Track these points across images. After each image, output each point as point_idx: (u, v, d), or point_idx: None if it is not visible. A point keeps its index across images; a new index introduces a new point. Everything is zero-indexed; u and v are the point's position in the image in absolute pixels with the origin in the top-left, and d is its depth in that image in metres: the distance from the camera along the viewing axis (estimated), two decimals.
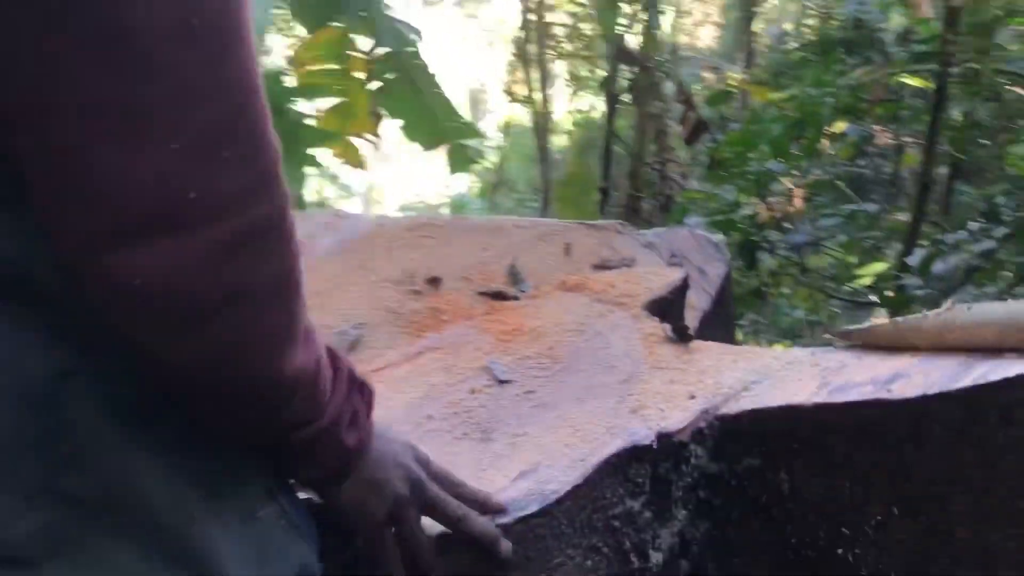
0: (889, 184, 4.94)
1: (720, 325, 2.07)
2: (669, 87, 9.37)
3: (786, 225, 4.13)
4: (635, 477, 1.15)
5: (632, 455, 1.14)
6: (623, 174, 9.60)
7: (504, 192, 12.64)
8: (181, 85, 0.59)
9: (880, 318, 1.17)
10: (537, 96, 9.00)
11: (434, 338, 1.63)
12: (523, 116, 12.05)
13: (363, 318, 1.85)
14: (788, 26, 11.67)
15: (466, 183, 13.85)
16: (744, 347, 1.43)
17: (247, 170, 0.64)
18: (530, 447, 1.19)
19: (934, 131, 3.38)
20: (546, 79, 8.60)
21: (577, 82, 10.86)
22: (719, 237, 2.20)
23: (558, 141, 11.12)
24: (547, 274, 2.04)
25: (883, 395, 1.05)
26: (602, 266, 2.07)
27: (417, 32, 5.87)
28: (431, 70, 6.20)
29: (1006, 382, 0.97)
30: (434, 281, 1.97)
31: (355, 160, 6.50)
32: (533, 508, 1.03)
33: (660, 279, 1.79)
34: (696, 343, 1.45)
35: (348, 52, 6.27)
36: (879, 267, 4.06)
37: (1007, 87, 4.13)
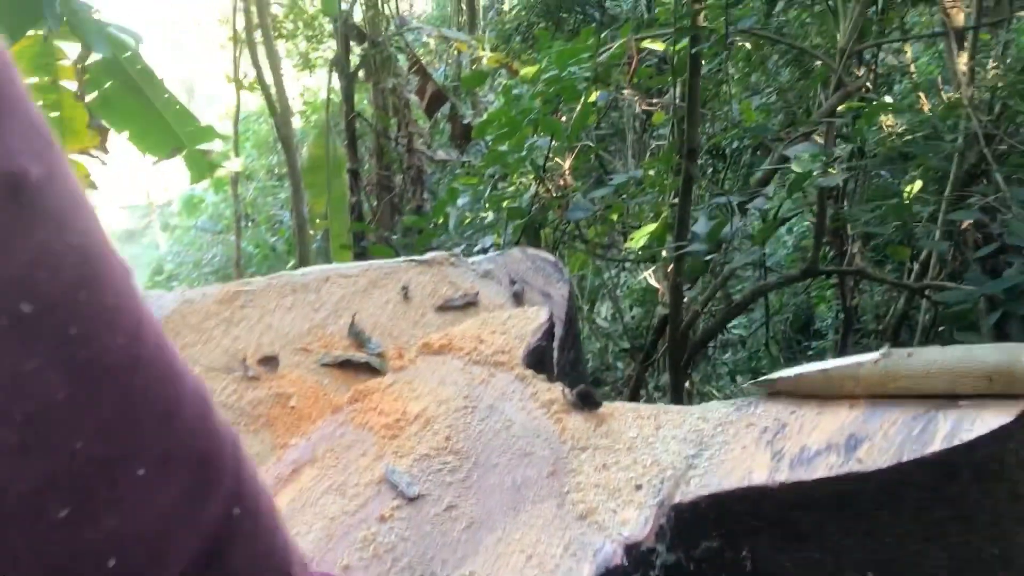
0: (640, 145, 5.13)
1: (571, 345, 1.98)
2: (402, 60, 9.19)
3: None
4: None
5: None
6: (369, 153, 9.34)
7: (243, 183, 11.90)
8: None
9: (804, 366, 1.11)
10: (266, 81, 8.44)
11: (303, 446, 1.39)
12: (250, 102, 11.35)
13: None
14: None
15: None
16: (652, 406, 1.33)
17: None
18: None
19: (692, 96, 3.48)
20: (273, 62, 8.08)
21: (305, 62, 10.36)
22: (544, 254, 2.10)
23: (295, 124, 10.58)
24: (391, 325, 1.84)
25: (854, 467, 0.99)
26: (446, 307, 1.91)
27: (134, 36, 5.26)
28: (156, 74, 5.61)
29: (980, 440, 0.93)
30: (269, 361, 1.71)
31: (83, 180, 5.76)
32: None
33: (524, 323, 1.66)
34: (604, 407, 1.33)
35: (54, 62, 5.52)
36: (650, 228, 4.18)
37: (740, 43, 4.39)
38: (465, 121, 8.96)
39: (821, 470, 1.02)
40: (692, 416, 1.24)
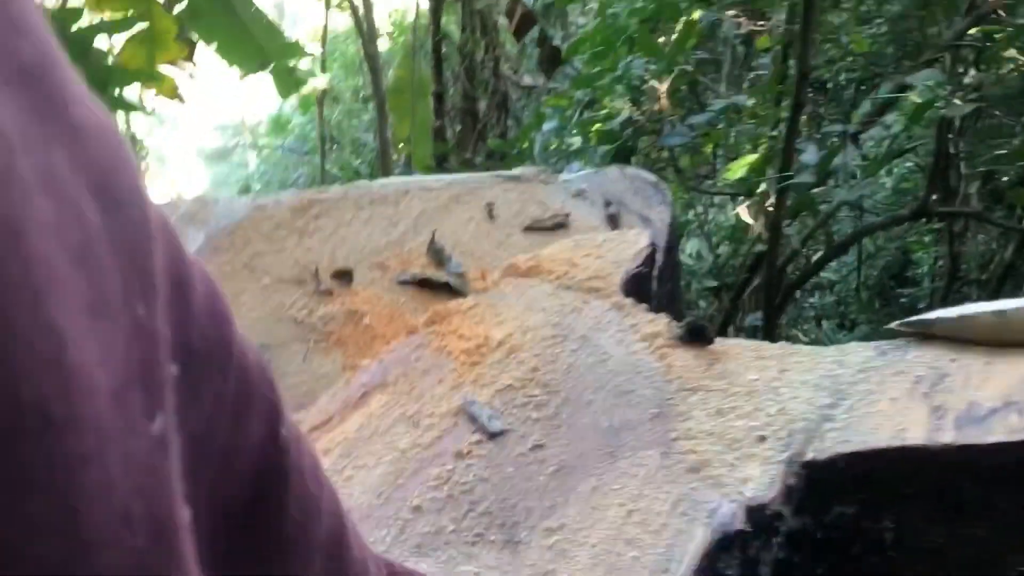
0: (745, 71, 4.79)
1: (670, 277, 1.79)
2: None
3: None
4: (724, 570, 0.86)
5: (721, 547, 0.84)
6: (455, 76, 9.11)
7: (329, 104, 11.83)
8: None
9: (968, 306, 0.93)
10: (354, 0, 8.25)
11: (375, 369, 1.25)
12: (338, 23, 11.18)
13: (264, 337, 1.44)
14: None
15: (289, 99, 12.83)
16: (775, 346, 1.14)
17: None
18: (579, 550, 0.86)
19: (808, 15, 3.17)
20: None
21: None
22: (647, 175, 1.90)
23: (382, 45, 10.40)
24: (473, 244, 1.68)
25: None
26: (534, 228, 1.73)
27: None
28: None
29: None
30: (343, 275, 1.57)
31: (169, 91, 5.73)
32: None
33: (623, 247, 1.47)
34: (717, 344, 1.15)
35: None
36: (749, 159, 3.90)
37: None
38: (554, 44, 8.64)
39: (999, 432, 0.83)
40: (826, 359, 1.05)
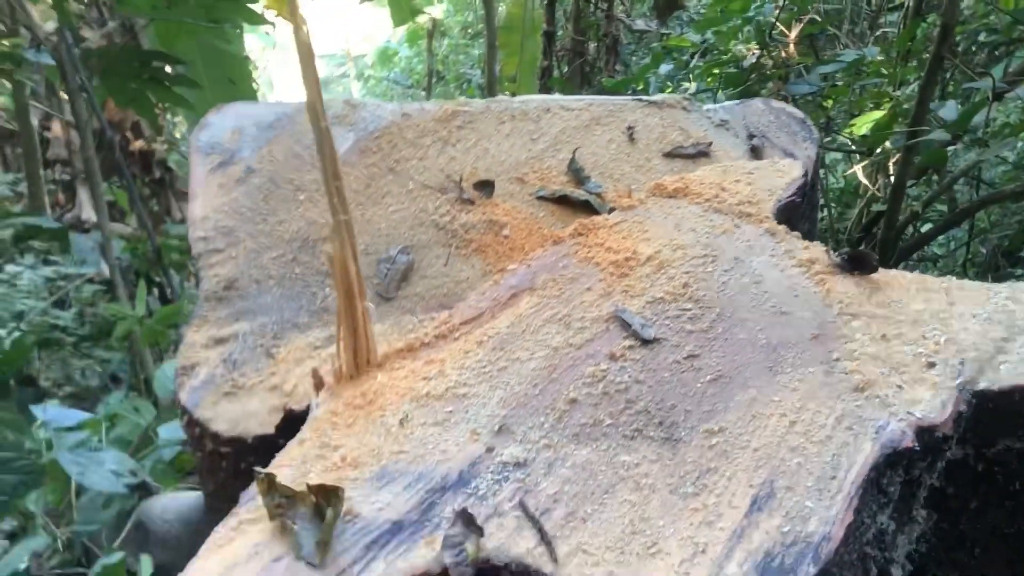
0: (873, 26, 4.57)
1: (808, 216, 1.74)
2: None
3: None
4: (887, 487, 0.85)
5: (888, 462, 0.83)
6: (567, 16, 8.97)
7: (437, 38, 11.81)
8: None
9: None
10: None
11: (522, 272, 1.26)
12: None
13: (408, 239, 1.47)
14: None
15: (392, 29, 12.89)
16: (940, 279, 1.11)
17: None
18: (741, 452, 0.86)
19: None
20: None
21: None
22: (792, 110, 1.84)
23: None
24: (612, 166, 1.66)
25: None
26: (675, 154, 1.71)
27: None
28: None
29: None
30: (484, 186, 1.58)
31: (284, 9, 5.79)
32: (811, 571, 0.71)
33: (774, 175, 1.44)
34: (879, 274, 1.12)
35: None
36: (876, 115, 3.75)
37: None
38: None
39: None
40: (999, 296, 1.02)
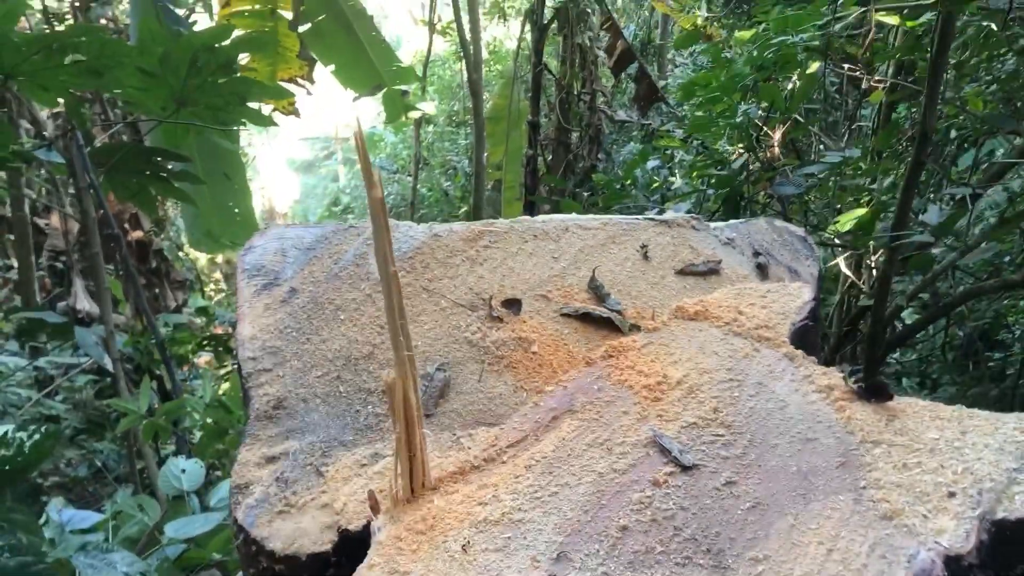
0: (854, 123, 4.81)
1: (813, 331, 1.86)
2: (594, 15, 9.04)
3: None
4: None
5: None
6: (550, 106, 9.28)
7: (423, 125, 12.10)
8: None
9: None
10: (460, 25, 8.50)
11: (560, 395, 1.35)
12: (437, 45, 11.46)
13: (443, 355, 1.56)
14: None
15: (379, 114, 13.16)
16: (950, 408, 1.21)
17: None
18: None
19: (934, 77, 3.21)
20: (473, 10, 8.11)
21: (497, 10, 10.35)
22: (792, 227, 1.97)
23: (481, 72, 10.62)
24: (629, 283, 1.78)
25: None
26: (687, 271, 1.83)
27: None
28: (367, 12, 5.73)
29: None
30: (511, 304, 1.69)
31: (286, 106, 6.01)
32: None
33: (787, 298, 1.56)
34: (895, 402, 1.22)
35: None
36: (859, 212, 3.93)
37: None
38: (651, 81, 8.75)
39: None
40: (1007, 425, 1.12)
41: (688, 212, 4.36)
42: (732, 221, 2.00)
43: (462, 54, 8.24)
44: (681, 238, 1.89)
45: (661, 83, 9.54)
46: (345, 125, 15.94)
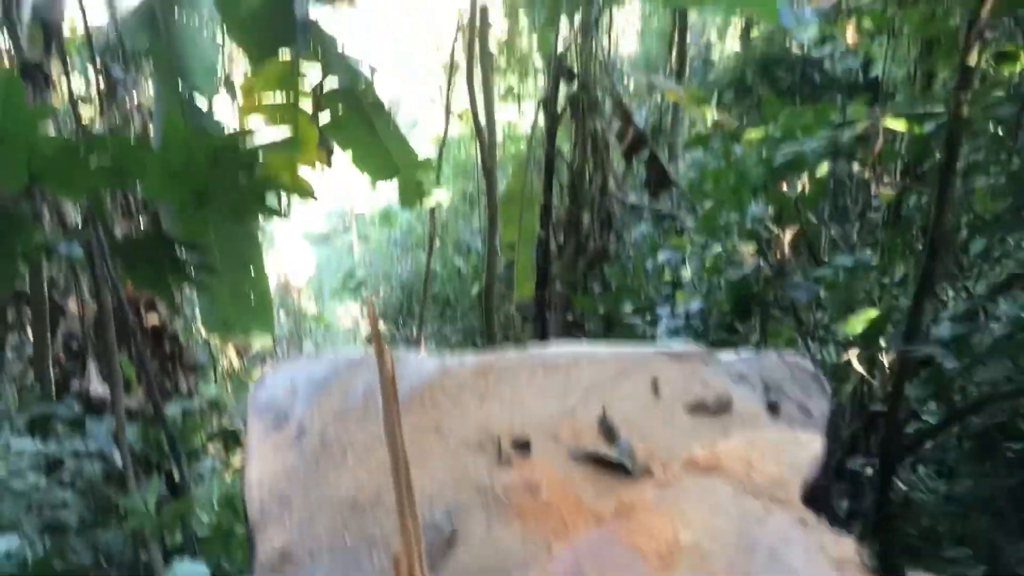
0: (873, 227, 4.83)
1: (825, 486, 1.83)
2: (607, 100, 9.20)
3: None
4: None
5: None
6: (563, 189, 9.38)
7: (436, 204, 12.23)
8: None
9: None
10: (475, 110, 8.67)
11: (568, 559, 1.33)
12: (454, 127, 11.65)
13: (450, 499, 1.54)
14: (712, 38, 11.65)
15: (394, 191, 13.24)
16: None
17: None
18: None
19: (944, 186, 3.22)
20: (488, 95, 8.28)
21: (511, 95, 10.55)
22: (805, 363, 1.96)
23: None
24: (641, 421, 1.76)
25: None
26: (698, 408, 1.81)
27: (371, 68, 5.51)
28: (385, 106, 5.85)
29: None
30: (522, 446, 1.67)
31: (304, 191, 6.08)
32: None
33: (797, 450, 1.53)
34: None
35: (296, 83, 5.86)
36: (871, 314, 3.91)
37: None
38: (662, 167, 8.85)
39: None
40: None
41: (699, 310, 4.37)
42: (744, 355, 1.99)
43: (477, 138, 8.37)
44: (692, 372, 1.88)
45: (672, 167, 9.64)
46: (364, 199, 16.14)
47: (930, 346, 3.16)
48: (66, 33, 6.56)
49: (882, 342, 4.04)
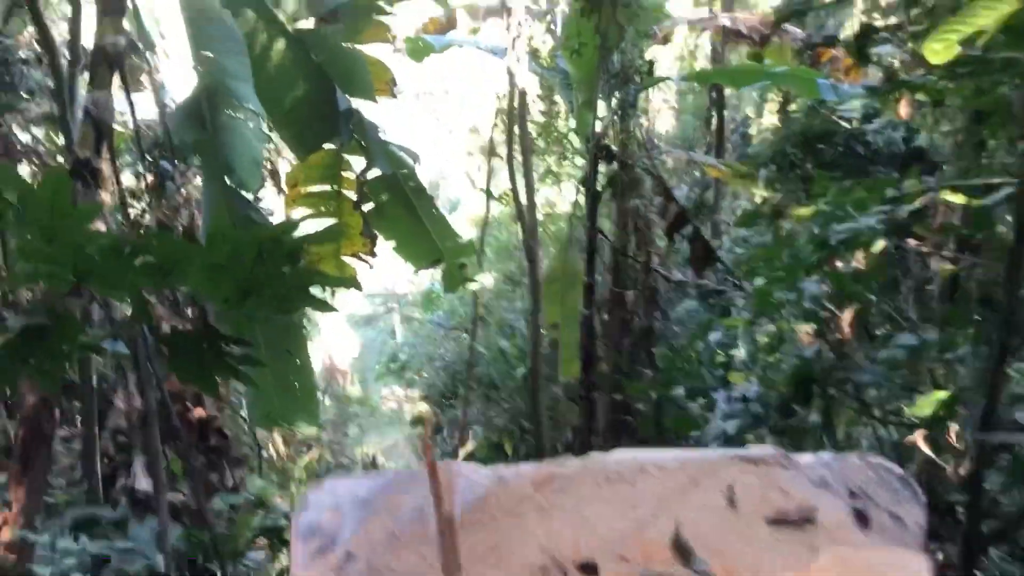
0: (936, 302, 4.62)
1: None
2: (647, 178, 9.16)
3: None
4: None
5: None
6: (605, 268, 9.29)
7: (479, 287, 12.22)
8: None
9: None
10: (516, 192, 8.67)
11: None
12: (496, 208, 11.69)
13: None
14: (749, 113, 11.64)
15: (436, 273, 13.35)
16: None
17: None
18: None
19: (1016, 262, 3.05)
20: (528, 178, 8.28)
21: (551, 175, 10.58)
22: (894, 466, 1.79)
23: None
24: (717, 537, 1.59)
25: None
26: (780, 519, 1.64)
27: (413, 155, 5.52)
28: (427, 191, 5.85)
29: None
30: (588, 568, 1.51)
31: (349, 281, 6.05)
32: None
33: (897, 574, 1.36)
34: None
35: (340, 173, 5.89)
36: (940, 395, 3.69)
37: None
38: (707, 242, 8.75)
39: None
40: None
41: (756, 392, 4.17)
42: (824, 456, 1.82)
43: (518, 219, 8.36)
44: (769, 479, 1.71)
45: (715, 243, 9.53)
46: (407, 280, 16.20)
47: (1016, 435, 2.94)
48: (117, 128, 6.73)
49: (951, 423, 3.82)
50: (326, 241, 4.91)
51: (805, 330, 3.93)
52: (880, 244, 4.00)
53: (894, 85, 4.26)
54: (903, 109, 5.49)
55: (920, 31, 4.12)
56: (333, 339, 15.73)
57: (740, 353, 5.23)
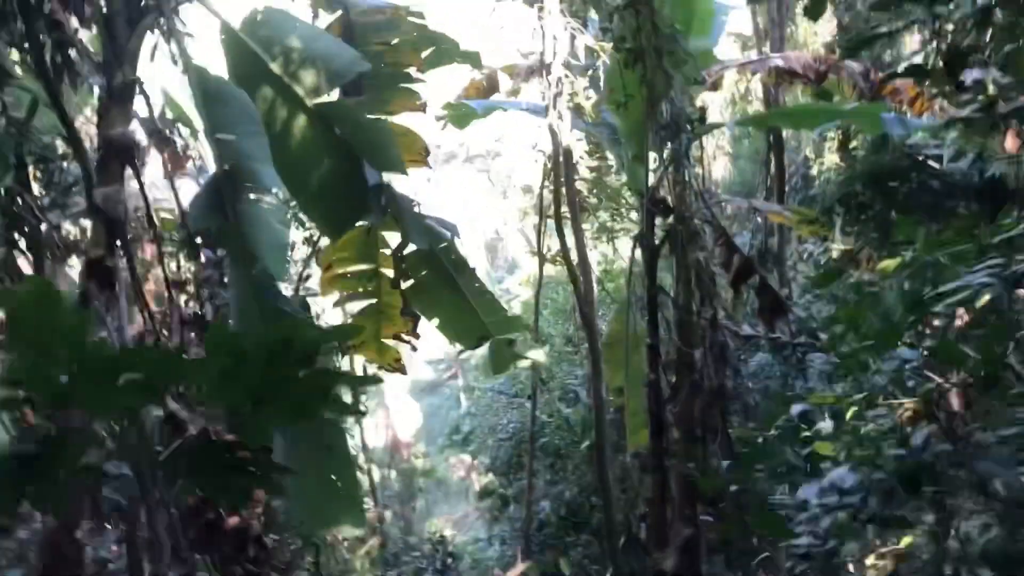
0: None
1: None
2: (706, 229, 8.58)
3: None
4: None
5: None
6: (670, 327, 8.67)
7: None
8: None
9: None
10: (567, 253, 8.19)
11: None
12: (548, 268, 11.23)
13: None
14: (808, 154, 11.02)
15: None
16: None
17: None
18: None
19: None
20: (579, 238, 7.80)
21: (604, 232, 10.09)
22: None
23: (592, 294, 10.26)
24: None
25: None
26: None
27: (451, 228, 5.09)
28: (469, 264, 5.41)
29: None
30: None
31: (393, 364, 5.62)
32: None
33: None
34: None
35: (376, 251, 5.51)
36: None
37: None
38: (776, 292, 8.11)
39: None
40: None
41: (853, 481, 3.54)
42: None
43: (572, 282, 7.87)
44: None
45: (784, 291, 8.87)
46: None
47: None
48: (166, 215, 6.49)
49: None
50: (346, 338, 4.47)
51: (907, 405, 3.32)
52: (986, 298, 3.38)
53: (1008, 115, 3.64)
54: (1010, 141, 4.81)
55: (1010, 51, 3.54)
56: (395, 409, 15.34)
57: (826, 424, 4.60)
